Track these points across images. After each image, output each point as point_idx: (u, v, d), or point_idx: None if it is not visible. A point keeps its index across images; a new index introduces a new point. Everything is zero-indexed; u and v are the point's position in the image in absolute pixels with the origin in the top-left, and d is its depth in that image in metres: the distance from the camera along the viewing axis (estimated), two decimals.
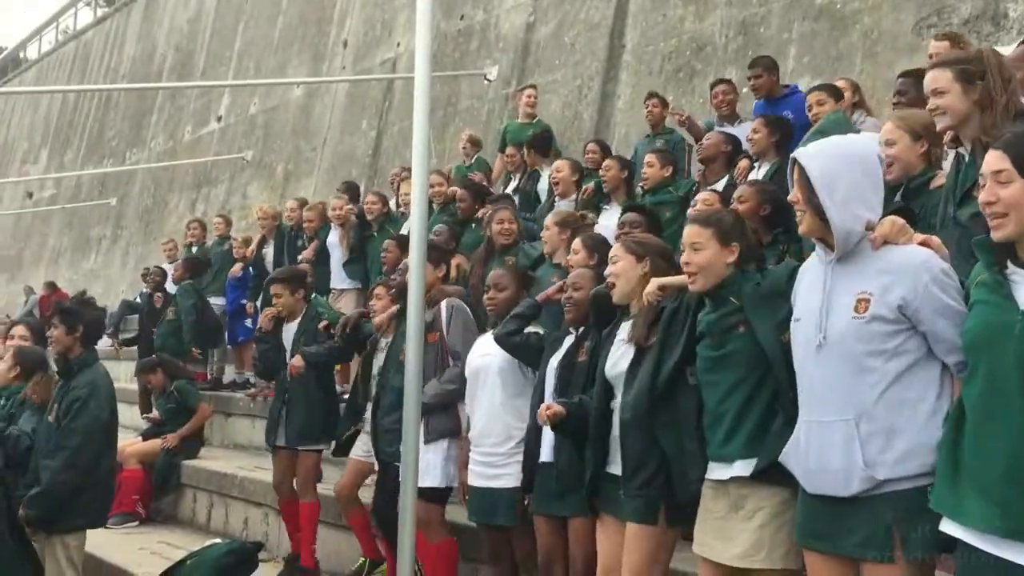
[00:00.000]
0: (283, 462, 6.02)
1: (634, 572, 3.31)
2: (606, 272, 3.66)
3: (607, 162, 6.28)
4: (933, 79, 3.18)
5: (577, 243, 4.83)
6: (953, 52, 3.57)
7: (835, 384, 2.61)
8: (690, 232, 3.13)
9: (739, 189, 4.72)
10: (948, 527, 2.32)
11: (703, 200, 4.95)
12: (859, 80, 6.48)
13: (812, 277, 2.75)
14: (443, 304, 4.89)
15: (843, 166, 2.66)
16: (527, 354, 4.29)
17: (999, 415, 2.23)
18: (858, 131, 4.43)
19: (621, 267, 3.56)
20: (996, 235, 2.27)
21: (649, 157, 6.12)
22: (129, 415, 9.52)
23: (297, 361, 5.78)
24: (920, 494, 2.47)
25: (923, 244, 2.60)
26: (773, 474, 2.82)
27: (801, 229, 2.76)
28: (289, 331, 6.04)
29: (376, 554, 5.55)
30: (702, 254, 3.08)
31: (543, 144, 7.84)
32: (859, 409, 2.56)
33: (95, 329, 5.04)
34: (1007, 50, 4.66)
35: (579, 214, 5.81)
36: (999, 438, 2.22)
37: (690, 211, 4.58)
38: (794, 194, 2.74)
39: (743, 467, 2.93)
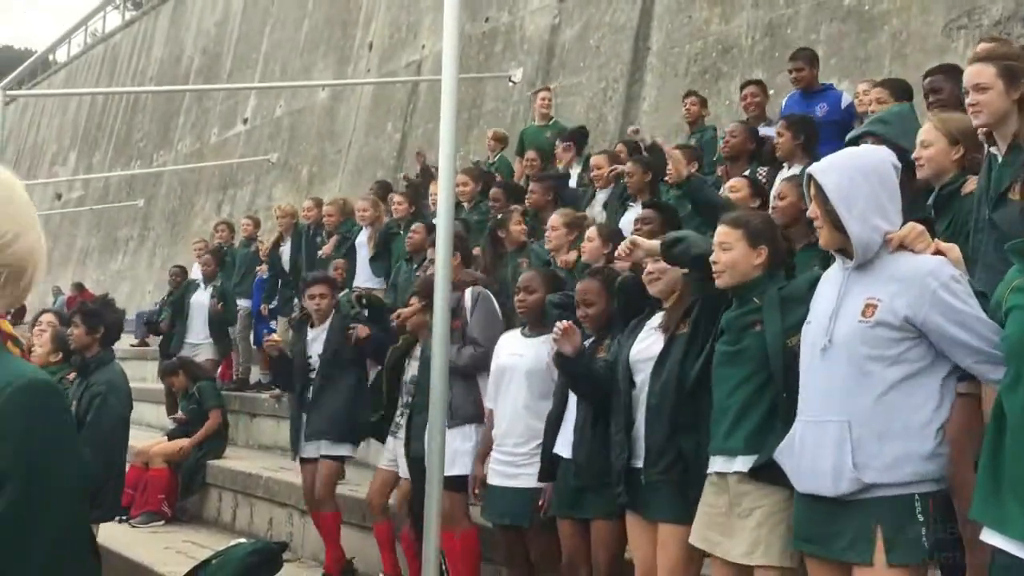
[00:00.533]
0: (312, 472, 6.02)
1: (670, 571, 3.34)
2: (648, 268, 3.69)
3: (630, 165, 6.27)
4: (977, 73, 3.12)
5: (592, 231, 4.86)
6: (999, 47, 3.48)
7: (835, 386, 2.63)
8: (720, 232, 3.16)
9: (778, 185, 4.68)
10: (990, 537, 2.30)
11: (731, 187, 4.94)
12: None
13: (830, 283, 2.78)
14: (468, 292, 4.87)
15: (860, 179, 2.67)
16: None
17: None
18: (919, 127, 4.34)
19: (662, 266, 3.59)
20: None
21: (675, 152, 6.14)
22: (155, 414, 9.61)
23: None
24: (908, 501, 2.50)
25: (938, 252, 2.60)
26: (772, 474, 2.86)
27: (820, 242, 2.78)
28: (313, 335, 6.02)
29: (395, 571, 5.51)
30: (729, 254, 3.11)
31: (582, 138, 7.81)
32: (855, 412, 2.58)
33: (114, 330, 5.10)
34: None
35: (582, 215, 5.87)
36: None
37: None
38: (812, 209, 2.75)
39: (744, 463, 2.98)
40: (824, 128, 5.66)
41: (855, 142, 3.98)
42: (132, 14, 26.04)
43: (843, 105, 6.05)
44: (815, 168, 2.77)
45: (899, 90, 5.14)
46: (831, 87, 6.41)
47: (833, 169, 2.72)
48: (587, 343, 4.05)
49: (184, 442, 8.06)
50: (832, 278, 2.77)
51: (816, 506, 2.67)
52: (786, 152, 5.48)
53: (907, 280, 2.57)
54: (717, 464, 3.09)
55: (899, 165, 2.76)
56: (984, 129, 3.18)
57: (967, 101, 3.18)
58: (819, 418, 2.66)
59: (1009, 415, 2.28)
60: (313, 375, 5.90)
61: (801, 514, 2.72)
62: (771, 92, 7.60)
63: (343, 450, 5.86)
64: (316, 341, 5.97)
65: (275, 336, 6.16)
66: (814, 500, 2.67)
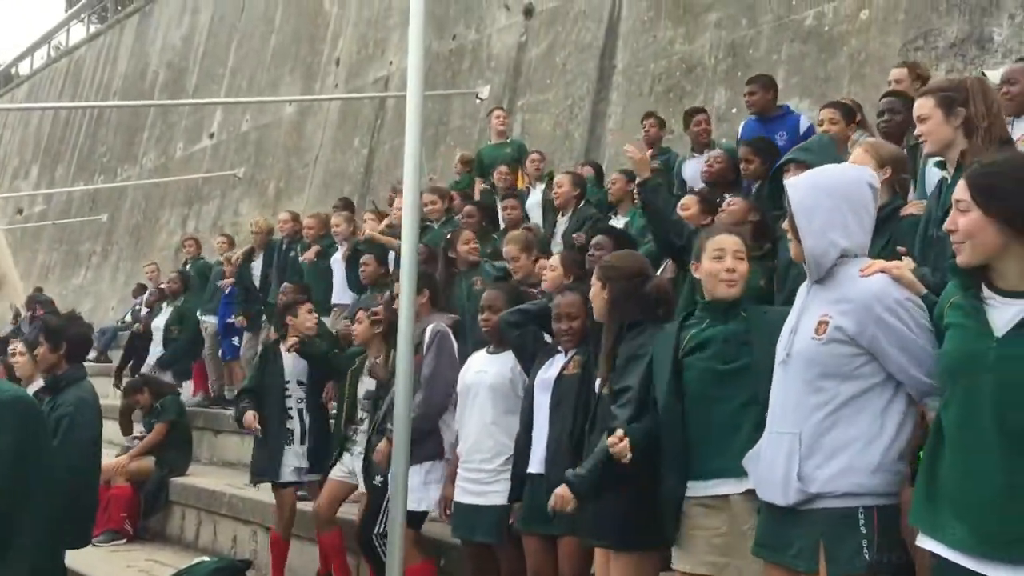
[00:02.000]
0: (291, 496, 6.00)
1: None
2: (591, 294, 3.72)
3: (613, 175, 6.40)
4: (918, 106, 3.29)
5: (555, 260, 4.88)
6: (939, 80, 3.70)
7: (790, 399, 2.71)
8: (734, 241, 3.22)
9: (730, 200, 4.81)
10: (925, 542, 2.36)
11: (682, 205, 5.11)
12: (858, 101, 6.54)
13: (799, 297, 2.84)
14: (428, 328, 4.88)
15: (823, 195, 2.72)
16: (520, 352, 4.29)
17: (974, 445, 2.26)
18: (841, 156, 4.48)
19: (594, 291, 3.65)
20: (958, 260, 2.33)
21: (615, 176, 6.34)
22: (115, 431, 9.49)
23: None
24: (851, 514, 2.56)
25: (884, 271, 2.64)
26: None
27: (792, 254, 2.83)
28: (289, 359, 6.02)
29: None
30: (745, 264, 3.20)
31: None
32: (805, 425, 2.64)
33: (80, 346, 5.02)
34: (997, 74, 4.75)
35: (526, 228, 5.93)
36: (975, 467, 2.26)
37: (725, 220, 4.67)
38: (785, 223, 2.83)
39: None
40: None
41: (780, 170, 4.12)
42: (97, 27, 25.84)
43: (802, 130, 6.15)
44: (789, 182, 2.86)
45: (848, 112, 5.30)
46: (789, 111, 6.51)
47: (801, 184, 2.79)
48: (559, 358, 4.08)
49: (146, 461, 7.97)
50: (800, 292, 2.84)
51: (773, 514, 2.74)
52: (755, 175, 5.57)
53: (855, 300, 2.62)
54: (722, 486, 3.06)
55: (876, 186, 2.82)
56: (934, 157, 3.31)
57: (916, 131, 3.34)
58: (777, 430, 2.73)
59: (945, 430, 2.35)
60: (289, 400, 5.92)
61: (762, 521, 2.79)
62: (733, 111, 7.72)
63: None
64: (296, 365, 5.99)
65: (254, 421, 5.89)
66: (771, 508, 2.74)
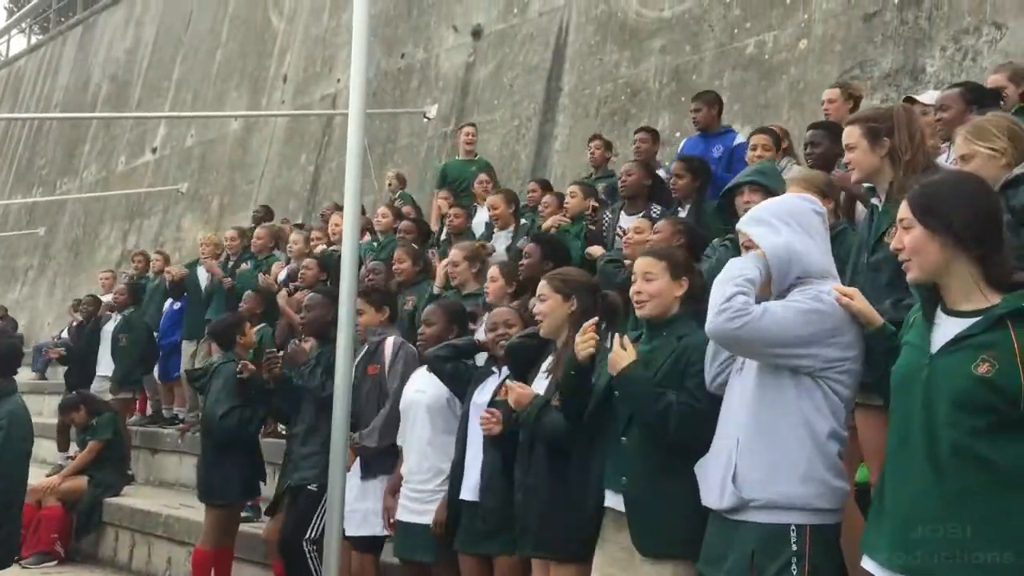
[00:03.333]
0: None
1: None
2: (535, 309, 3.72)
3: (571, 188, 6.45)
4: (847, 134, 3.37)
5: (494, 271, 4.91)
6: (867, 109, 3.79)
7: (736, 406, 2.78)
8: (644, 263, 3.26)
9: (657, 224, 4.84)
10: (865, 563, 2.40)
11: (635, 228, 5.06)
12: (786, 128, 6.68)
13: None
14: (390, 340, 4.86)
15: (782, 228, 2.79)
16: (454, 383, 4.30)
17: (904, 458, 2.33)
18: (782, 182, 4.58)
19: (548, 306, 3.63)
20: (908, 278, 2.41)
21: (572, 188, 6.39)
22: (52, 450, 9.26)
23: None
24: (782, 530, 2.59)
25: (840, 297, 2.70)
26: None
27: (757, 289, 2.85)
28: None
29: None
30: (654, 284, 3.21)
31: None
32: (744, 431, 2.71)
33: (11, 358, 4.91)
34: (931, 96, 4.89)
35: (480, 244, 5.96)
36: (905, 480, 2.32)
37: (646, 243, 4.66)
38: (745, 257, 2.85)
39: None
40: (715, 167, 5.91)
41: (732, 191, 4.19)
42: (39, 38, 25.38)
43: (735, 143, 6.28)
44: (741, 224, 2.91)
45: (776, 139, 5.43)
46: (730, 130, 6.63)
47: (758, 219, 2.85)
48: (492, 379, 4.09)
49: (78, 480, 7.79)
50: None
51: (715, 527, 2.78)
52: (684, 192, 5.65)
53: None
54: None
55: (821, 211, 2.89)
56: (860, 184, 3.39)
57: (844, 159, 3.41)
58: (722, 435, 2.80)
59: (887, 447, 2.41)
60: None
61: (706, 536, 2.82)
62: (677, 135, 7.84)
63: None
64: None
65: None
66: (714, 520, 2.78)
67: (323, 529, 4.80)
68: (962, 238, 2.30)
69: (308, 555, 4.86)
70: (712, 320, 2.65)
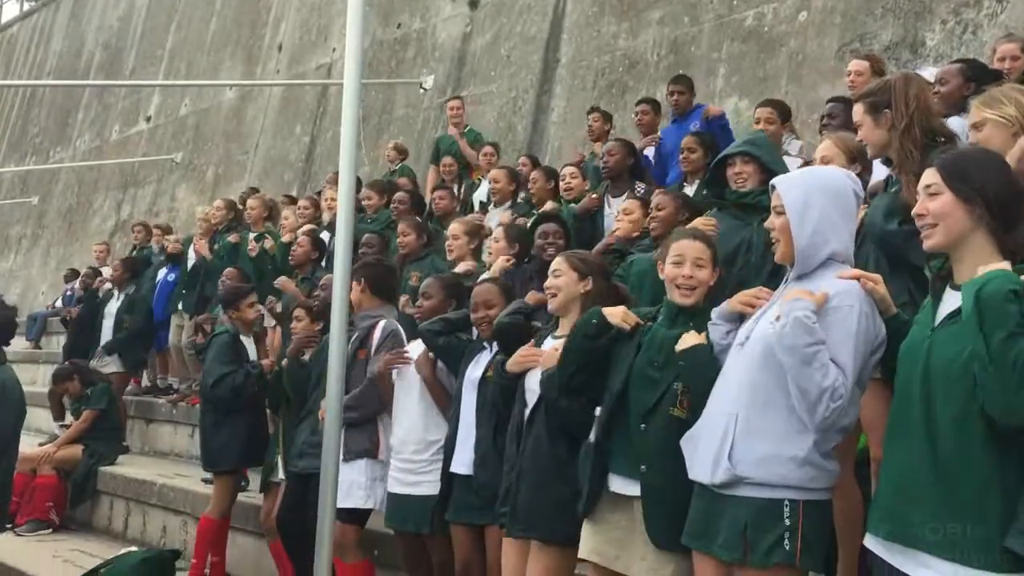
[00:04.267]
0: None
1: None
2: (547, 284, 3.66)
3: (567, 169, 6.32)
4: (854, 113, 3.37)
5: (499, 231, 4.89)
6: (869, 84, 3.76)
7: (735, 381, 2.74)
8: (696, 247, 3.18)
9: (656, 198, 4.78)
10: (867, 541, 2.41)
11: (624, 210, 5.03)
12: (784, 102, 6.65)
13: (776, 294, 2.84)
14: (380, 325, 4.82)
15: (816, 195, 2.73)
16: (448, 357, 4.28)
17: (901, 430, 2.35)
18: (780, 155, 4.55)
19: (563, 281, 3.58)
20: (926, 245, 2.40)
21: (571, 170, 6.27)
22: (45, 420, 9.27)
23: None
24: (775, 505, 2.59)
25: (860, 279, 2.67)
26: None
27: (777, 256, 2.81)
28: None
29: None
30: (704, 272, 3.16)
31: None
32: (743, 407, 2.68)
33: (5, 330, 4.89)
34: (931, 71, 4.87)
35: (478, 223, 5.93)
36: (900, 451, 2.34)
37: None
38: (771, 221, 2.81)
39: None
40: None
41: (724, 161, 4.16)
42: (31, 5, 25.10)
43: (704, 114, 6.30)
44: (779, 180, 2.84)
45: (783, 112, 5.40)
46: (700, 106, 6.66)
47: (795, 183, 2.79)
48: (485, 355, 4.08)
49: (73, 449, 7.80)
50: (779, 291, 2.83)
51: (702, 500, 2.76)
52: (695, 166, 5.63)
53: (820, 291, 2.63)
54: (630, 487, 3.09)
55: (860, 193, 2.84)
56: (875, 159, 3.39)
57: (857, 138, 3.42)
58: (717, 410, 2.76)
59: (888, 421, 2.42)
60: None
61: (692, 510, 2.80)
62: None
63: None
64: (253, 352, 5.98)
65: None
66: (701, 494, 2.76)
67: None
68: (991, 207, 2.30)
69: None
70: (819, 425, 2.57)
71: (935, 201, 2.36)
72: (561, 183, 6.24)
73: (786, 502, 2.59)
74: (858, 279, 2.66)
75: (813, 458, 2.62)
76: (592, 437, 3.20)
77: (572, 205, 5.98)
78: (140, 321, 8.99)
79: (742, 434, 2.66)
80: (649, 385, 3.06)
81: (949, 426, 2.23)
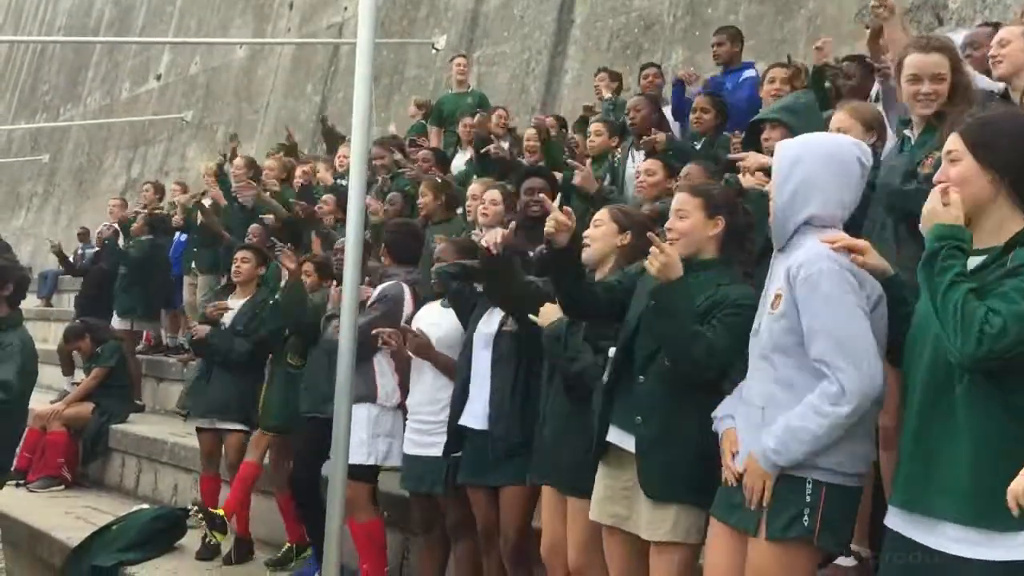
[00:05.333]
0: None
1: (579, 548, 3.37)
2: (585, 233, 3.57)
3: (595, 125, 6.22)
4: (936, 63, 3.26)
5: (495, 194, 4.92)
6: (933, 37, 3.72)
7: (755, 373, 2.70)
8: (679, 199, 3.13)
9: (688, 167, 4.72)
10: (888, 518, 2.38)
11: (646, 170, 4.96)
12: (805, 65, 6.54)
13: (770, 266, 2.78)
14: (380, 287, 4.79)
15: (809, 156, 2.65)
16: (457, 303, 4.24)
17: (914, 401, 2.33)
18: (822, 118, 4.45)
19: (602, 232, 3.52)
20: (924, 111, 2.37)
21: (597, 126, 6.19)
22: (57, 377, 9.32)
23: (200, 331, 5.70)
24: (798, 481, 2.54)
25: (849, 247, 2.56)
26: None
27: (770, 218, 2.73)
28: (233, 304, 5.92)
29: (302, 539, 5.44)
30: (686, 222, 3.08)
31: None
32: (767, 398, 2.63)
33: (21, 289, 4.90)
34: (958, 36, 4.77)
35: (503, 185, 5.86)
36: (912, 421, 2.32)
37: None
38: (769, 185, 2.77)
39: None
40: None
41: (757, 125, 4.08)
42: None
43: (744, 76, 6.19)
44: (781, 143, 2.78)
45: (796, 74, 5.30)
46: (749, 66, 6.51)
47: (793, 144, 2.72)
48: (497, 311, 4.06)
49: (83, 407, 7.85)
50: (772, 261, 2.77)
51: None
52: (706, 127, 5.58)
53: (795, 267, 2.57)
54: (625, 441, 3.09)
55: (867, 162, 2.72)
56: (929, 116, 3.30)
57: (922, 89, 3.26)
58: (748, 401, 2.71)
59: (907, 392, 2.39)
60: None
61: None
62: (691, 69, 7.67)
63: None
64: (235, 310, 5.91)
65: (223, 303, 5.89)
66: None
67: None
68: (1014, 175, 2.25)
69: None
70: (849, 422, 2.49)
71: (956, 167, 2.30)
72: (587, 139, 6.19)
73: (809, 480, 2.53)
74: (842, 247, 2.54)
75: (844, 444, 2.53)
76: (604, 378, 3.18)
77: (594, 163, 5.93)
78: (160, 275, 9.03)
79: (769, 424, 2.60)
80: (650, 336, 3.03)
81: (964, 393, 2.18)
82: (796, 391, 2.56)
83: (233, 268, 5.98)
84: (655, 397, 3.00)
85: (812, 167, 2.65)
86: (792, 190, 2.63)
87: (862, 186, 2.74)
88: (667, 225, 3.13)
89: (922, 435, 2.26)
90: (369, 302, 4.71)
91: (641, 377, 3.04)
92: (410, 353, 4.36)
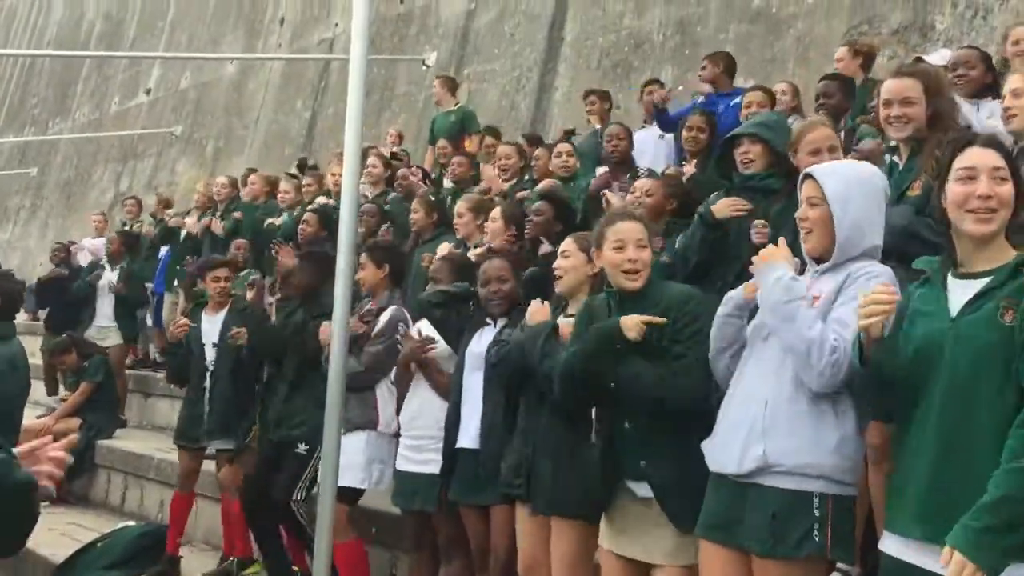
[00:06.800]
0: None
1: (565, 568, 3.36)
2: (555, 264, 3.63)
3: (562, 146, 6.25)
4: (907, 87, 3.30)
5: (496, 212, 4.86)
6: (911, 66, 3.74)
7: (765, 370, 2.69)
8: (635, 228, 3.16)
9: (642, 182, 4.75)
10: (887, 542, 2.37)
11: (645, 191, 4.95)
12: (794, 84, 6.58)
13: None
14: (388, 312, 4.76)
15: (857, 188, 2.69)
16: (444, 330, 4.26)
17: (926, 421, 2.32)
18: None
19: (571, 263, 3.54)
20: (985, 229, 2.33)
21: (566, 147, 6.27)
22: (42, 391, 9.24)
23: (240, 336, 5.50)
24: (803, 497, 2.54)
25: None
26: None
27: (808, 247, 2.74)
28: (209, 322, 5.85)
29: (247, 554, 5.48)
30: (647, 251, 3.15)
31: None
32: (773, 394, 2.64)
33: (13, 302, 4.88)
34: (941, 55, 4.83)
35: (489, 197, 5.87)
36: (926, 446, 2.30)
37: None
38: (803, 211, 2.74)
39: None
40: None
41: (732, 141, 4.11)
42: None
43: (733, 102, 6.23)
44: (817, 170, 2.77)
45: (772, 97, 5.39)
46: (738, 92, 6.54)
47: (834, 173, 2.74)
48: (488, 331, 4.05)
49: (71, 422, 7.79)
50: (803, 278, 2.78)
51: (723, 492, 2.71)
52: (700, 146, 5.60)
53: (848, 278, 2.62)
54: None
55: (887, 190, 2.82)
56: (904, 140, 3.33)
57: (892, 113, 3.31)
58: (743, 401, 2.71)
59: (904, 418, 2.38)
60: (209, 364, 5.71)
61: (710, 501, 2.75)
62: (680, 88, 7.72)
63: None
64: (212, 326, 5.81)
65: (184, 321, 5.85)
66: (721, 486, 2.72)
67: (308, 492, 4.84)
68: None
69: (297, 513, 4.91)
70: (818, 383, 2.53)
71: (1004, 186, 2.32)
72: (556, 160, 6.17)
73: (816, 495, 2.54)
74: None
75: (845, 444, 2.57)
76: (593, 439, 3.18)
77: (580, 182, 5.96)
78: (134, 293, 9.02)
79: (770, 424, 2.61)
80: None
81: (991, 409, 2.18)
82: (809, 393, 2.58)
83: (214, 287, 5.84)
84: (649, 436, 3.01)
85: (863, 199, 2.69)
86: (850, 224, 2.66)
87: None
88: (628, 256, 3.11)
89: (944, 465, 2.23)
90: (379, 326, 4.69)
91: (627, 424, 3.06)
92: (418, 362, 4.34)
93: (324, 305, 4.76)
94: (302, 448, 4.90)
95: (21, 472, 1.52)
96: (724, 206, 3.93)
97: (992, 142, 2.40)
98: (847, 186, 2.68)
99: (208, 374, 5.71)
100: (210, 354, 5.75)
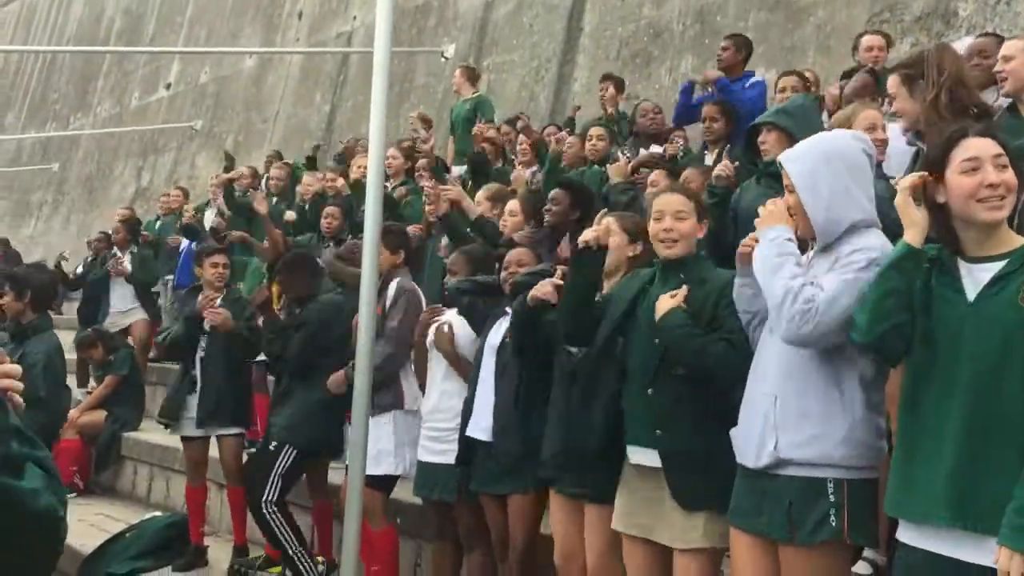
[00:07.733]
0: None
1: (599, 554, 3.37)
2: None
3: (594, 129, 6.24)
4: (888, 85, 3.35)
5: (513, 204, 4.86)
6: (904, 56, 3.74)
7: (772, 363, 2.71)
8: (675, 200, 3.20)
9: (687, 172, 4.75)
10: (903, 531, 2.39)
11: (651, 182, 4.99)
12: (815, 72, 6.55)
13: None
14: (393, 284, 4.83)
15: (824, 166, 2.68)
16: (470, 317, 4.28)
17: (946, 412, 2.33)
18: (821, 121, 4.47)
19: (614, 243, 3.52)
20: (996, 216, 2.33)
21: (597, 130, 6.24)
22: (72, 384, 9.32)
23: (217, 318, 5.50)
24: (818, 483, 2.56)
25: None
26: None
27: (797, 232, 2.75)
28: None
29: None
30: (686, 223, 3.18)
31: None
32: (783, 388, 2.65)
33: (45, 293, 4.95)
34: (964, 43, 4.79)
35: (510, 189, 5.87)
36: (948, 433, 2.30)
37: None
38: (786, 198, 2.76)
39: None
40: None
41: (755, 130, 4.11)
42: None
43: (749, 84, 6.19)
44: (784, 156, 2.79)
45: (806, 83, 5.34)
46: (750, 75, 6.51)
47: (799, 157, 2.74)
48: (505, 321, 4.06)
49: (97, 414, 7.87)
50: (803, 260, 2.78)
51: (746, 480, 2.75)
52: (717, 135, 5.58)
53: (836, 262, 2.62)
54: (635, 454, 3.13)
55: (871, 152, 2.77)
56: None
57: (891, 110, 3.35)
58: (756, 392, 2.74)
59: (918, 403, 2.38)
60: (200, 349, 5.70)
61: (737, 487, 2.79)
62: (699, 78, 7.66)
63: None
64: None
65: (222, 310, 5.64)
66: (745, 474, 2.75)
67: (280, 491, 4.88)
68: None
69: (270, 517, 4.90)
70: (785, 329, 2.55)
71: (1007, 172, 2.33)
72: (588, 144, 6.18)
73: (830, 480, 2.56)
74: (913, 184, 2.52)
75: (855, 432, 2.59)
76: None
77: (596, 168, 5.95)
78: (148, 278, 9.20)
79: (782, 416, 2.63)
80: (650, 348, 3.09)
81: (1018, 388, 2.19)
82: (816, 384, 2.60)
83: (213, 272, 5.74)
84: (671, 407, 3.03)
85: (833, 177, 2.67)
86: (825, 206, 2.65)
87: (873, 171, 2.78)
88: (663, 226, 3.18)
89: (971, 446, 2.23)
90: (388, 302, 4.73)
91: (650, 390, 3.08)
92: (437, 347, 4.37)
93: (326, 301, 4.90)
94: (272, 445, 4.97)
95: (48, 499, 1.41)
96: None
97: (986, 131, 2.41)
98: (813, 168, 2.68)
99: (199, 359, 5.70)
100: (202, 340, 5.71)
